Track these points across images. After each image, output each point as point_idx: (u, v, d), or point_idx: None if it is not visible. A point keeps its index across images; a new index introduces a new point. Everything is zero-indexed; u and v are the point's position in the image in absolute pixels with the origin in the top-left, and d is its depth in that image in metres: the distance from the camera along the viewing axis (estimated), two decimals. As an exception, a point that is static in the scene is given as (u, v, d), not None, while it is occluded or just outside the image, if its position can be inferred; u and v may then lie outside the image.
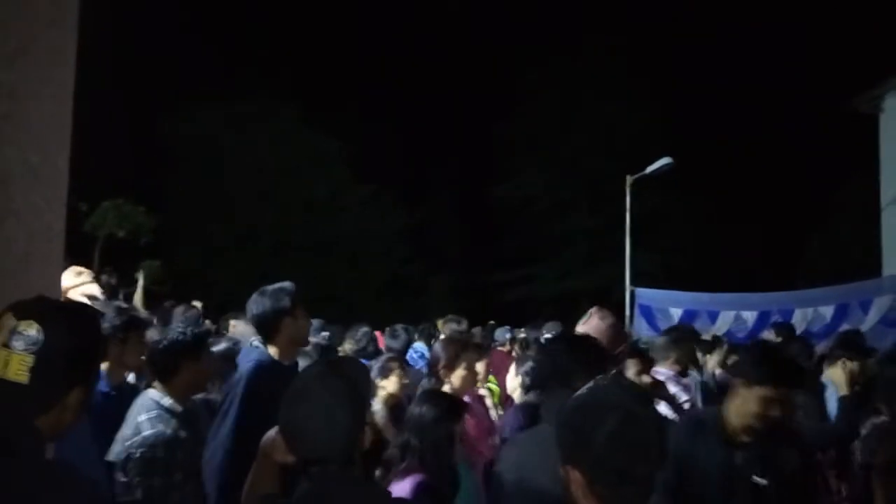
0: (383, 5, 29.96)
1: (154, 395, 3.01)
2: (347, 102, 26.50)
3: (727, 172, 25.49)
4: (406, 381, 4.14)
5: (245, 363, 3.15)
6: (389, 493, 1.95)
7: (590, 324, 3.43)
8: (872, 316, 9.85)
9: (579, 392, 1.50)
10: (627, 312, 13.84)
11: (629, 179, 15.12)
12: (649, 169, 14.47)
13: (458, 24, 30.04)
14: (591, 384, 1.51)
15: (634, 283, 14.27)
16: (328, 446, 1.69)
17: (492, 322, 9.81)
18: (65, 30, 2.17)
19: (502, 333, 7.58)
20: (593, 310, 3.63)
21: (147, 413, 2.92)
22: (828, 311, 10.37)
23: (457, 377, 3.72)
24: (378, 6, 29.95)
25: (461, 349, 3.85)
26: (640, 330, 11.02)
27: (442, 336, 5.36)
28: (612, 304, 18.96)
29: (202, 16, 24.10)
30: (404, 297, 25.48)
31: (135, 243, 17.65)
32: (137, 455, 2.77)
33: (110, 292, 7.63)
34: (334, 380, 1.75)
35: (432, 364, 3.87)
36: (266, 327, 3.15)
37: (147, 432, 2.84)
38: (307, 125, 25.13)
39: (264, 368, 3.06)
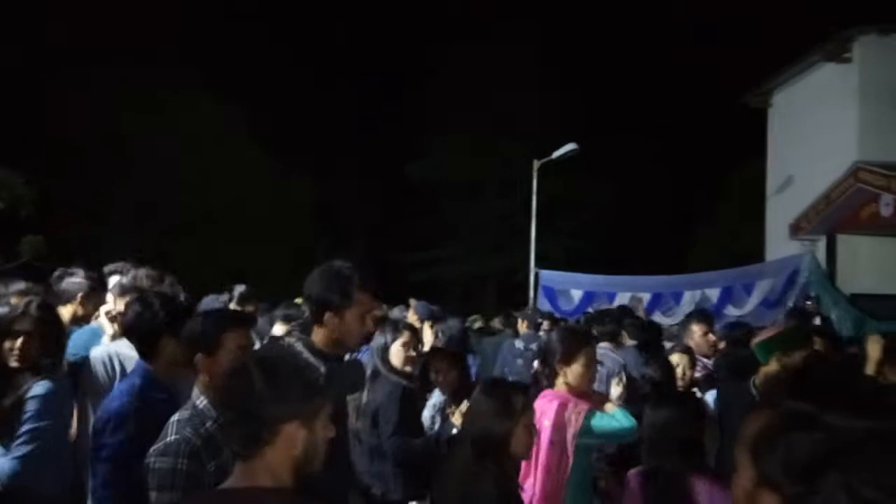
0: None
1: (192, 391, 2.46)
2: (255, 74, 25.55)
3: (627, 160, 26.43)
4: None
5: None
6: None
7: None
8: (754, 298, 10.54)
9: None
10: (532, 294, 14.17)
11: (536, 164, 15.36)
12: (556, 154, 14.75)
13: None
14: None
15: (538, 265, 14.58)
16: None
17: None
18: None
19: (399, 313, 7.41)
20: None
21: (180, 413, 2.41)
22: (714, 294, 11.02)
23: (573, 373, 3.27)
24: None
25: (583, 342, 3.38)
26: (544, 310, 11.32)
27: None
28: (517, 285, 19.43)
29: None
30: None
31: (14, 216, 16.36)
32: (156, 466, 2.25)
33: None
34: None
35: (548, 355, 3.38)
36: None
37: (170, 438, 2.32)
38: (212, 93, 23.99)
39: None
